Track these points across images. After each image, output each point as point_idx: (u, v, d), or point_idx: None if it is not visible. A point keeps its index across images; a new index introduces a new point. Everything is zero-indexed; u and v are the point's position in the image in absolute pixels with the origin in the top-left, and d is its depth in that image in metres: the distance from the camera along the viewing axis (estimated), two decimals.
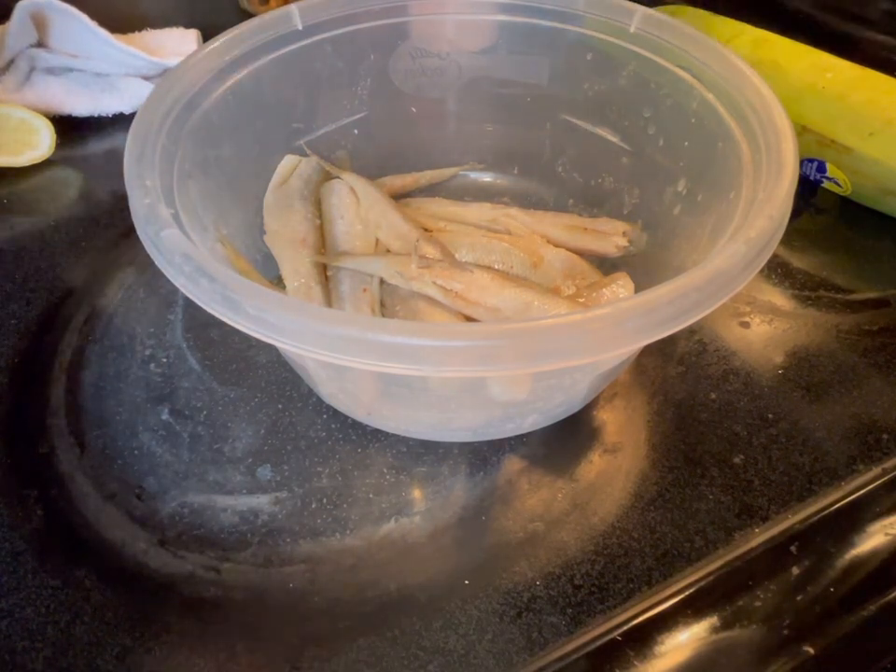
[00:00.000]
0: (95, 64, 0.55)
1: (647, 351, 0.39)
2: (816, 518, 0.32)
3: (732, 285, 0.26)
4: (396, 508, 0.33)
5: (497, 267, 0.38)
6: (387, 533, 0.32)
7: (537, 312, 0.33)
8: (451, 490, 0.34)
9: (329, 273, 0.38)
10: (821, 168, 0.47)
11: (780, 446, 0.35)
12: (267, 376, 0.38)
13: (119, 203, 0.46)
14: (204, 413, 0.37)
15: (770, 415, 0.36)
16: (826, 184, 0.48)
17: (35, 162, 0.51)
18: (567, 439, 0.36)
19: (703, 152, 0.36)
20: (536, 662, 0.28)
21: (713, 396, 0.37)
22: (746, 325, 0.41)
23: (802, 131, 0.46)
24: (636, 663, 0.28)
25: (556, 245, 0.40)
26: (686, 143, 0.37)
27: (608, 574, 0.31)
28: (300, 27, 0.39)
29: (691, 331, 0.40)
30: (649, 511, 0.33)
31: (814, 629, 0.29)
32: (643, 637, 0.29)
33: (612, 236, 0.40)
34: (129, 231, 0.44)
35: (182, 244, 0.27)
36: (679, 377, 0.38)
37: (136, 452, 0.35)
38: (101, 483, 0.34)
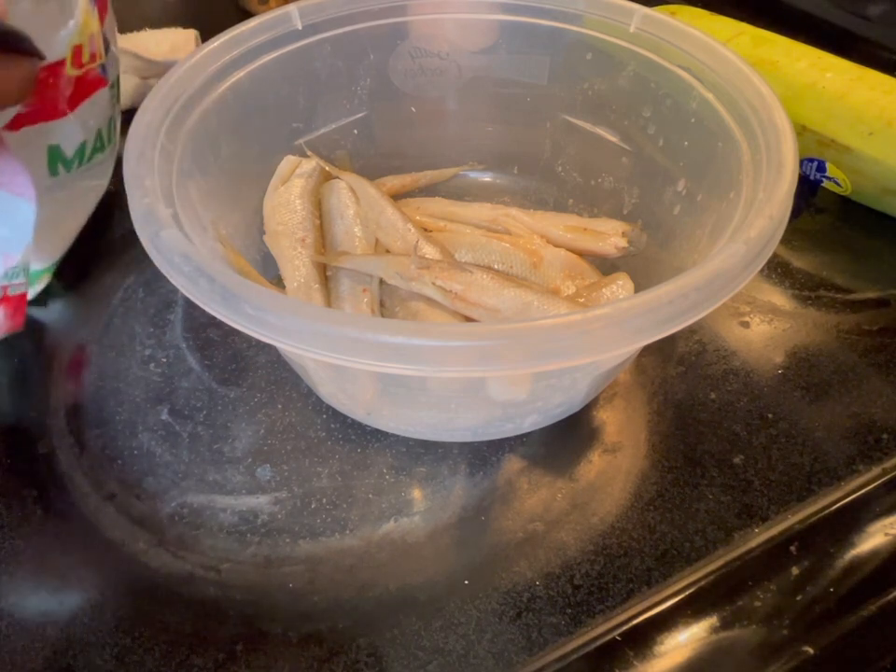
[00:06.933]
0: None
1: (647, 351, 0.39)
2: (816, 518, 0.32)
3: (732, 285, 0.26)
4: (395, 508, 0.33)
5: (496, 267, 0.38)
6: (387, 533, 0.32)
7: (536, 312, 0.33)
8: (451, 490, 0.34)
9: (328, 274, 0.38)
10: (821, 168, 0.47)
11: (780, 446, 0.35)
12: (267, 376, 0.38)
13: (119, 203, 0.46)
14: (204, 413, 0.37)
15: (770, 415, 0.36)
16: (826, 184, 0.48)
17: None
18: (566, 439, 0.36)
19: (703, 152, 0.36)
20: (535, 662, 0.28)
21: (713, 396, 0.37)
22: (746, 325, 0.41)
23: (802, 131, 0.46)
24: (635, 663, 0.28)
25: (556, 245, 0.40)
26: (686, 143, 0.37)
27: (607, 574, 0.31)
28: (299, 27, 0.39)
29: (691, 331, 0.40)
30: (648, 511, 0.33)
31: (814, 629, 0.29)
32: (643, 637, 0.29)
33: (612, 236, 0.40)
34: (128, 231, 0.44)
35: (181, 244, 0.27)
36: (678, 377, 0.38)
37: (136, 452, 0.35)
38: (100, 483, 0.34)
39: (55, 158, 0.39)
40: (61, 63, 0.36)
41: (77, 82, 0.38)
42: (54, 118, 0.37)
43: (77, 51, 0.37)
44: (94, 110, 0.40)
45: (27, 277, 0.38)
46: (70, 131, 0.39)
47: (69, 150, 0.40)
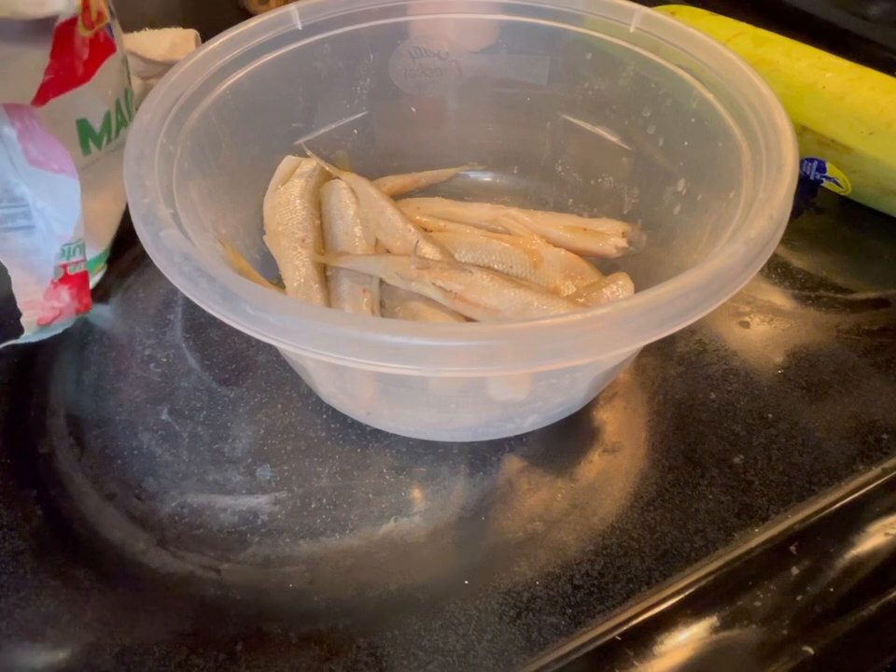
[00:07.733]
0: None
1: (647, 351, 0.39)
2: (816, 518, 0.32)
3: (732, 285, 0.26)
4: (395, 508, 0.33)
5: (496, 267, 0.38)
6: (387, 533, 0.32)
7: (536, 312, 0.33)
8: (450, 490, 0.34)
9: (328, 274, 0.38)
10: (821, 168, 0.47)
11: (780, 446, 0.35)
12: (267, 376, 0.38)
13: None
14: (204, 412, 0.37)
15: (770, 415, 0.36)
16: (826, 184, 0.48)
17: None
18: (566, 439, 0.36)
19: (703, 152, 0.36)
20: (535, 662, 0.28)
21: (713, 396, 0.37)
22: (746, 325, 0.41)
23: (802, 131, 0.46)
24: (635, 663, 0.28)
25: (556, 246, 0.40)
26: (686, 143, 0.37)
27: (607, 574, 0.31)
28: (299, 27, 0.39)
29: (691, 331, 0.40)
30: (648, 511, 0.33)
31: (814, 629, 0.29)
32: (643, 637, 0.29)
33: (612, 236, 0.40)
34: (128, 231, 0.44)
35: (181, 244, 0.27)
36: (678, 377, 0.38)
37: (136, 452, 0.35)
38: (100, 483, 0.34)
39: (85, 133, 0.40)
40: (73, 22, 0.36)
41: (91, 45, 0.38)
42: (76, 85, 0.38)
43: (86, 7, 0.37)
44: (110, 78, 0.41)
45: (84, 254, 0.38)
46: (93, 101, 0.40)
47: (96, 123, 0.40)
